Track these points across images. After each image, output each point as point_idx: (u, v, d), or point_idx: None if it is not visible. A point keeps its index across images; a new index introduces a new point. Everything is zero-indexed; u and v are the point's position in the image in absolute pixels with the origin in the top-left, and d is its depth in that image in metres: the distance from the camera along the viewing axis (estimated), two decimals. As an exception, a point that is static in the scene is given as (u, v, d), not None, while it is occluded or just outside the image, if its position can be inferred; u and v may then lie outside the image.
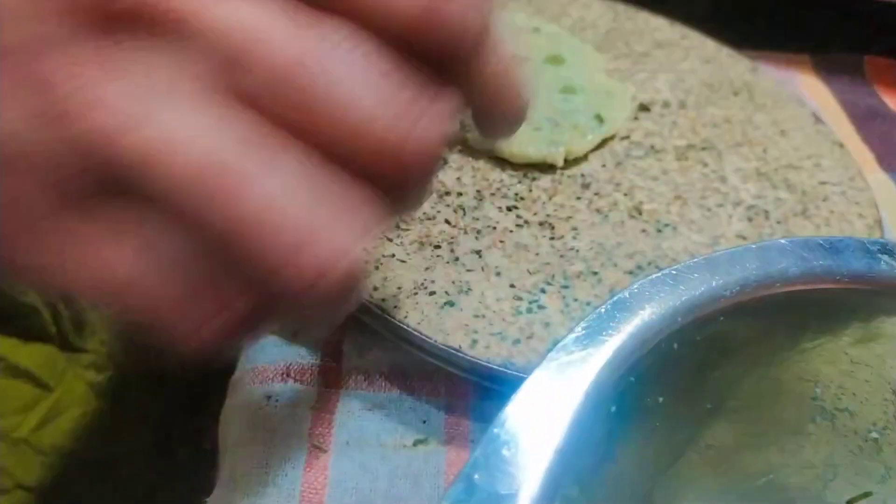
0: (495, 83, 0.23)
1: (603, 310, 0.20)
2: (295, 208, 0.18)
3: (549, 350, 0.19)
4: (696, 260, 0.21)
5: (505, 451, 0.18)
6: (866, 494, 0.25)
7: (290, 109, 0.18)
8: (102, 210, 0.18)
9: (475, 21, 0.20)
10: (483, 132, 0.25)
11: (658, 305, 0.20)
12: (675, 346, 0.21)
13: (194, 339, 0.19)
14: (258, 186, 0.18)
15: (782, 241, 0.22)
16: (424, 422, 0.32)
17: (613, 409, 0.20)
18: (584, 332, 0.20)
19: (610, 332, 0.20)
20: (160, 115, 0.18)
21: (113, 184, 0.18)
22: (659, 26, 0.50)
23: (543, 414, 0.18)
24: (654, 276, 0.21)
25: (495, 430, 0.18)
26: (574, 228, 0.37)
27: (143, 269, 0.18)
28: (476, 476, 0.17)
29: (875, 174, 0.43)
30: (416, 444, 0.31)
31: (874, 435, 0.24)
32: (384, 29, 0.19)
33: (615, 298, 0.20)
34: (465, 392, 0.33)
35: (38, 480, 0.52)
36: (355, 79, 0.18)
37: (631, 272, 0.35)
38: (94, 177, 0.18)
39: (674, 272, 0.21)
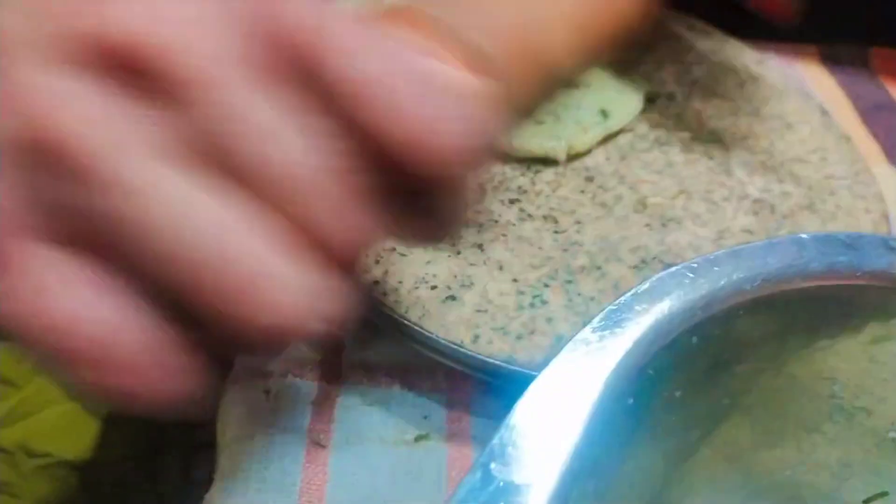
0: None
1: (622, 301, 0.20)
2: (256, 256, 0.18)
3: (567, 341, 0.19)
4: (716, 253, 0.21)
5: (522, 442, 0.18)
6: (882, 494, 0.24)
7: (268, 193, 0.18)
8: (61, 241, 0.18)
9: (467, 160, 0.20)
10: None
11: (678, 298, 0.20)
12: (694, 339, 0.20)
13: (150, 391, 0.18)
14: (238, 244, 0.18)
15: (803, 236, 0.21)
16: (426, 417, 0.31)
17: (631, 401, 0.20)
18: (602, 323, 0.20)
19: (629, 323, 0.20)
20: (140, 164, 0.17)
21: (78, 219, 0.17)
22: (664, 16, 0.50)
23: (561, 405, 0.18)
24: (673, 268, 0.20)
25: (513, 420, 0.18)
26: (578, 222, 0.36)
27: (103, 311, 0.17)
28: (493, 465, 0.17)
29: (881, 167, 0.43)
30: (417, 439, 0.31)
31: (892, 434, 0.24)
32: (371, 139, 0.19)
33: (634, 290, 0.20)
34: (466, 388, 0.32)
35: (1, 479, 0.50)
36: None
37: (635, 267, 0.34)
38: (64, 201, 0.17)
39: (694, 265, 0.20)
